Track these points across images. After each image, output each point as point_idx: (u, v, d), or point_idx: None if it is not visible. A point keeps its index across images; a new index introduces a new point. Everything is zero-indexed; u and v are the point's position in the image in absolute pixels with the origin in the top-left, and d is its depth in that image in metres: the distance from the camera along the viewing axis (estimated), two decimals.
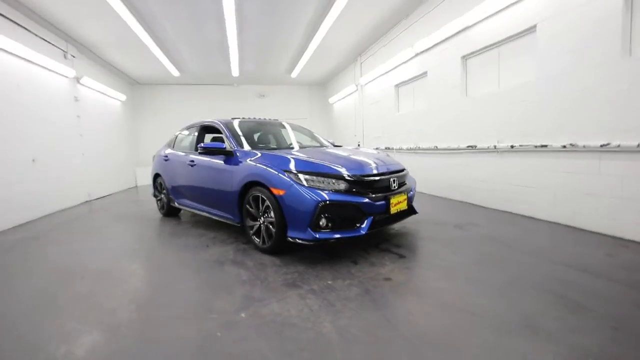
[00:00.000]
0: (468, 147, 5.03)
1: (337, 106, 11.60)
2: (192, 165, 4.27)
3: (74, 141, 7.01)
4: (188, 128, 5.07)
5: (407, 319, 1.92)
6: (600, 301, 2.02)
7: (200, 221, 4.82)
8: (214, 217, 4.00)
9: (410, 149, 6.64)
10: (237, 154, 3.58)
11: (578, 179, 3.48)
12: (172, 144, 5.21)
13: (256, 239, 3.27)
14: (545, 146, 3.77)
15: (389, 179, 3.14)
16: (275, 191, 2.91)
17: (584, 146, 3.35)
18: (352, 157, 3.35)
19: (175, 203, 4.86)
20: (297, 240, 2.81)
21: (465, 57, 5.11)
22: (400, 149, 6.98)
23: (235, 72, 9.88)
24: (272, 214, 3.03)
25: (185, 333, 1.85)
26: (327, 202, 2.71)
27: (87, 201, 7.33)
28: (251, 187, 3.25)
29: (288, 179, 2.87)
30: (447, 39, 5.35)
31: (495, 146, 4.50)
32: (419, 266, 2.74)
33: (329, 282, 2.47)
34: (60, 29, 6.32)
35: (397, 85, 7.25)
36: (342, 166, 2.99)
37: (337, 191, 2.82)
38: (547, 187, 3.84)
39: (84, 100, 7.51)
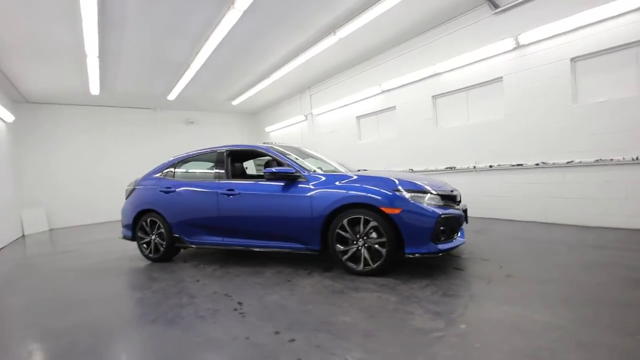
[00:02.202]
0: (447, 168, 6.08)
1: (276, 135, 11.69)
2: (229, 195, 3.77)
3: None
4: (196, 156, 4.44)
5: (581, 297, 2.37)
6: None
7: (225, 259, 4.18)
8: (269, 250, 3.63)
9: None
10: (307, 178, 3.46)
11: (548, 187, 4.78)
12: (172, 174, 4.41)
13: (351, 263, 3.19)
14: (521, 165, 5.03)
15: (459, 194, 3.64)
16: (388, 210, 2.99)
17: (553, 163, 4.68)
18: (423, 176, 3.73)
19: (188, 242, 4.07)
20: (417, 255, 2.94)
21: (435, 97, 6.28)
22: None
23: (173, 95, 8.89)
24: (374, 234, 3.07)
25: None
26: (443, 216, 2.99)
27: None
28: (343, 211, 3.20)
29: (401, 198, 3.01)
30: (417, 81, 6.46)
31: (474, 167, 5.64)
32: (507, 263, 3.24)
33: (473, 287, 2.72)
34: None
35: (359, 117, 8.05)
36: (428, 184, 3.32)
37: (438, 206, 3.12)
38: (522, 195, 5.08)
39: None
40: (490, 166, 5.43)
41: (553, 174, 4.74)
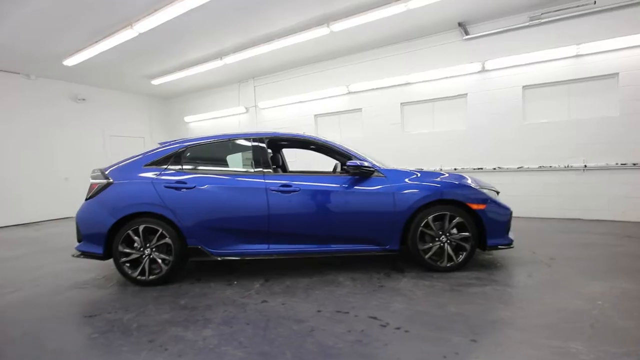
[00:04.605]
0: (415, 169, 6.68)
1: (200, 126, 10.18)
2: (285, 192, 3.13)
3: None
4: (213, 142, 3.54)
5: (628, 267, 3.06)
6: None
7: (247, 271, 3.40)
8: (332, 256, 3.21)
9: None
10: (383, 174, 3.27)
11: (503, 187, 5.90)
12: (178, 165, 3.30)
13: (432, 261, 3.16)
14: (481, 168, 6.05)
15: None
16: (475, 206, 3.12)
17: (507, 168, 5.84)
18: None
19: (212, 253, 3.14)
20: (491, 247, 3.18)
21: (403, 104, 6.83)
22: None
23: (76, 60, 6.56)
24: (454, 230, 3.16)
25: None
26: (511, 211, 3.35)
27: None
28: (425, 208, 3.15)
29: (483, 194, 3.20)
30: (387, 87, 6.87)
31: (440, 169, 6.43)
32: (535, 248, 3.85)
33: (543, 271, 3.14)
34: None
35: (318, 115, 7.92)
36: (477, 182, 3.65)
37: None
38: None
39: None
40: (455, 169, 6.31)
41: (506, 176, 5.91)
